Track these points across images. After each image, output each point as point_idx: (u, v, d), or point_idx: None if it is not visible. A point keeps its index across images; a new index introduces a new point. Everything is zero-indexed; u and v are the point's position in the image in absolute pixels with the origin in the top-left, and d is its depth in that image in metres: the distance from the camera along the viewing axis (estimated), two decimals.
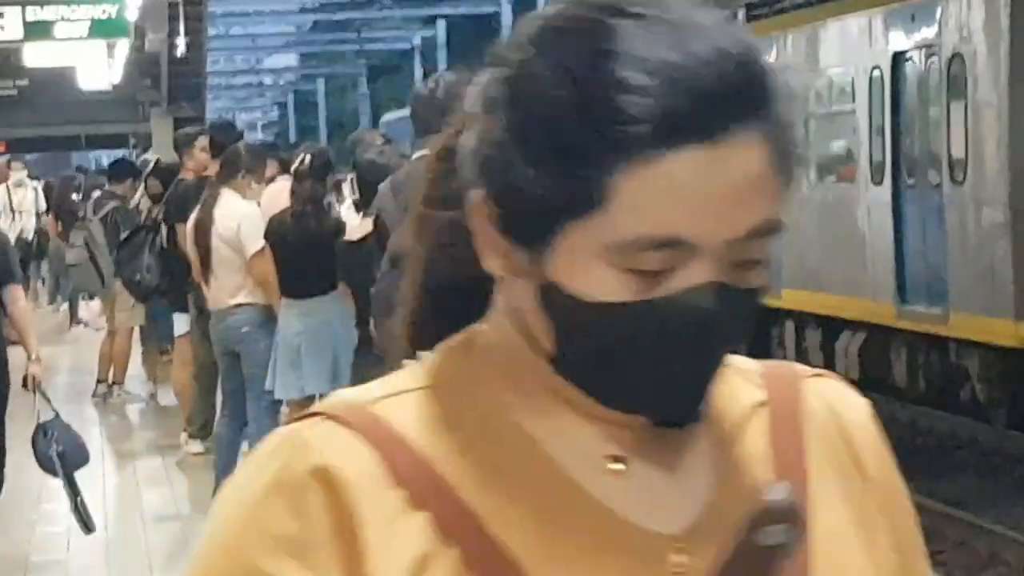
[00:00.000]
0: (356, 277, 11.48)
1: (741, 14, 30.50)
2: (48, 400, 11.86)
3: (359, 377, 10.15)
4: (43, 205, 30.47)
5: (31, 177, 36.81)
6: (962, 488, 20.14)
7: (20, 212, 28.57)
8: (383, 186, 10.31)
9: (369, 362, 10.72)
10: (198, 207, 14.93)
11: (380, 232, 9.89)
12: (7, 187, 31.60)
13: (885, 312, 23.71)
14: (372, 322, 10.80)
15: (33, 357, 11.64)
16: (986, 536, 17.77)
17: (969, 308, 21.37)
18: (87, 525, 11.77)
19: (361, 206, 11.56)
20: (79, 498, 11.71)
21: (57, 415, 11.89)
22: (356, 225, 11.89)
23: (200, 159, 17.56)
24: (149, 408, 20.08)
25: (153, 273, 18.07)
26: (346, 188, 15.11)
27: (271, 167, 16.21)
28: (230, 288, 14.26)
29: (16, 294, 11.50)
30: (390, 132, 22.92)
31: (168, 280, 17.92)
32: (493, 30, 75.28)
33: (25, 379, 11.68)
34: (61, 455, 11.63)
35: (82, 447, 11.98)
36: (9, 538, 13.39)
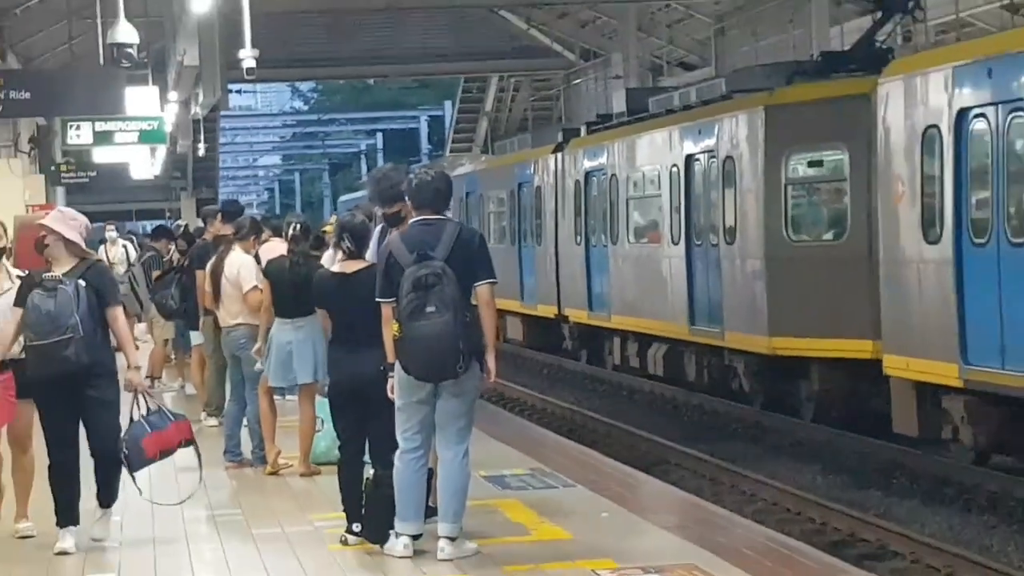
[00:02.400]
0: (335, 298, 10.90)
1: (583, 129, 30.43)
2: (146, 400, 10.94)
3: (330, 368, 10.99)
4: (133, 255, 29.51)
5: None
6: (735, 451, 19.68)
7: (114, 263, 27.68)
8: (394, 236, 10.23)
9: (335, 358, 10.90)
10: (214, 258, 15.15)
11: (391, 263, 9.93)
12: (104, 245, 30.90)
13: (681, 330, 23.32)
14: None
15: (131, 365, 10.90)
16: (756, 484, 17.02)
17: (737, 328, 21.17)
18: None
19: (355, 253, 10.80)
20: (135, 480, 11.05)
21: (142, 418, 10.91)
22: (340, 263, 11.12)
23: (217, 227, 17.37)
24: (179, 395, 19.96)
25: (175, 299, 18.39)
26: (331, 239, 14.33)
27: (266, 232, 15.85)
28: (232, 312, 14.38)
29: (116, 313, 10.77)
30: (343, 208, 22.78)
31: (184, 307, 18.09)
32: (414, 140, 78.98)
33: (127, 383, 10.85)
34: (126, 456, 10.80)
35: (141, 454, 10.82)
36: None
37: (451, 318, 9.59)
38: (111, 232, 31.41)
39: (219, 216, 17.74)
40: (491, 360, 10.00)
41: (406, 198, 10.34)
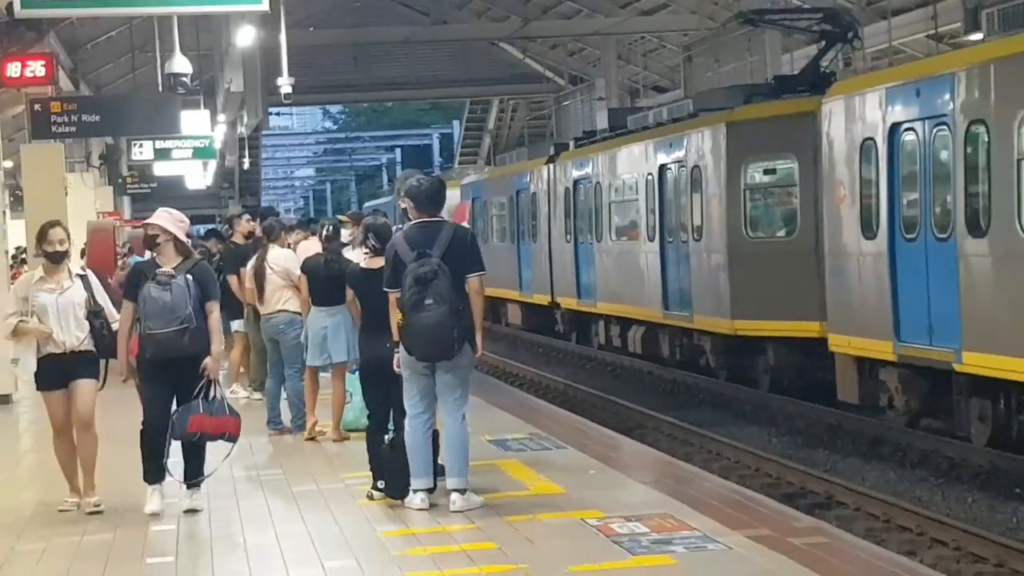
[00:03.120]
0: (365, 290, 10.85)
1: (572, 144, 30.24)
2: (219, 386, 10.25)
3: (361, 349, 11.05)
4: None
5: None
6: (703, 417, 19.64)
7: None
8: (398, 236, 10.25)
9: (364, 341, 10.87)
10: (255, 259, 14.80)
11: (396, 259, 9.90)
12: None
13: (656, 314, 23.30)
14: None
15: (213, 354, 10.18)
16: (721, 445, 16.94)
17: (704, 312, 21.19)
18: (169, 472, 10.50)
19: (379, 250, 10.70)
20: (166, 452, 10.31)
21: (202, 399, 10.15)
22: (367, 260, 11.09)
23: (244, 227, 17.44)
24: (227, 373, 19.51)
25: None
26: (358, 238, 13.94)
27: (302, 233, 15.89)
28: (272, 302, 14.22)
29: (213, 307, 10.19)
30: (368, 211, 22.43)
31: (223, 298, 17.51)
32: (427, 154, 79.51)
33: (202, 369, 10.16)
34: (172, 423, 10.16)
35: (184, 426, 10.11)
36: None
37: (447, 309, 9.65)
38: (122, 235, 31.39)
39: (244, 217, 17.73)
40: (478, 339, 10.04)
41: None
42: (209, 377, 10.21)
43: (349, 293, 11.39)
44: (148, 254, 11.32)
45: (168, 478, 10.40)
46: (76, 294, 10.30)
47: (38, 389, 10.50)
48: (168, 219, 10.35)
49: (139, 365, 10.22)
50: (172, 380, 10.21)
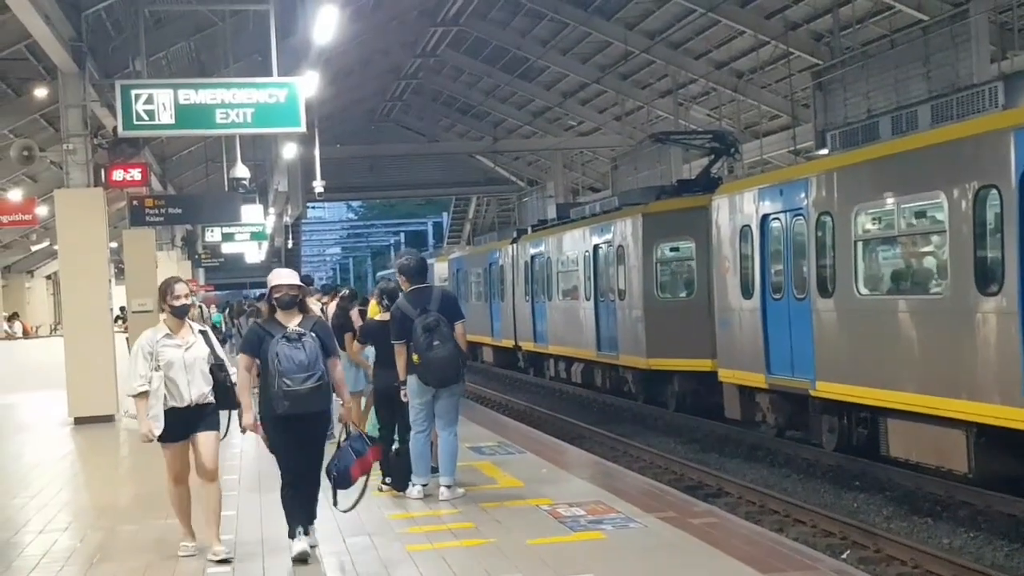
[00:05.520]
0: (379, 338, 10.41)
1: (530, 229, 29.99)
2: (348, 432, 8.13)
3: (376, 380, 10.67)
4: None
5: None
6: (625, 430, 19.41)
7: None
8: (401, 299, 9.94)
9: (378, 374, 10.53)
10: None
11: (403, 316, 9.66)
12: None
13: (592, 354, 23.12)
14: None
15: (346, 403, 8.10)
16: (639, 450, 16.59)
17: (628, 352, 20.97)
18: (337, 503, 8.25)
19: (388, 307, 10.29)
20: (336, 498, 8.16)
21: (349, 445, 8.10)
22: (381, 314, 10.66)
23: None
24: None
25: None
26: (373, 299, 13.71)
27: (325, 296, 15.48)
28: None
29: (336, 362, 7.94)
30: (379, 278, 22.36)
31: None
32: (423, 237, 79.89)
33: (340, 415, 8.17)
34: (335, 477, 8.05)
35: (348, 478, 8.09)
36: None
37: (452, 347, 9.55)
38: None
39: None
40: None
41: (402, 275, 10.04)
42: (346, 421, 8.18)
43: (356, 344, 11.13)
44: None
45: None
46: (200, 349, 8.18)
47: (161, 441, 8.05)
48: (296, 278, 8.14)
49: (267, 422, 7.90)
50: (300, 433, 7.88)
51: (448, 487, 9.89)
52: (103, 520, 9.76)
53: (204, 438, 8.11)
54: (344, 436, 8.21)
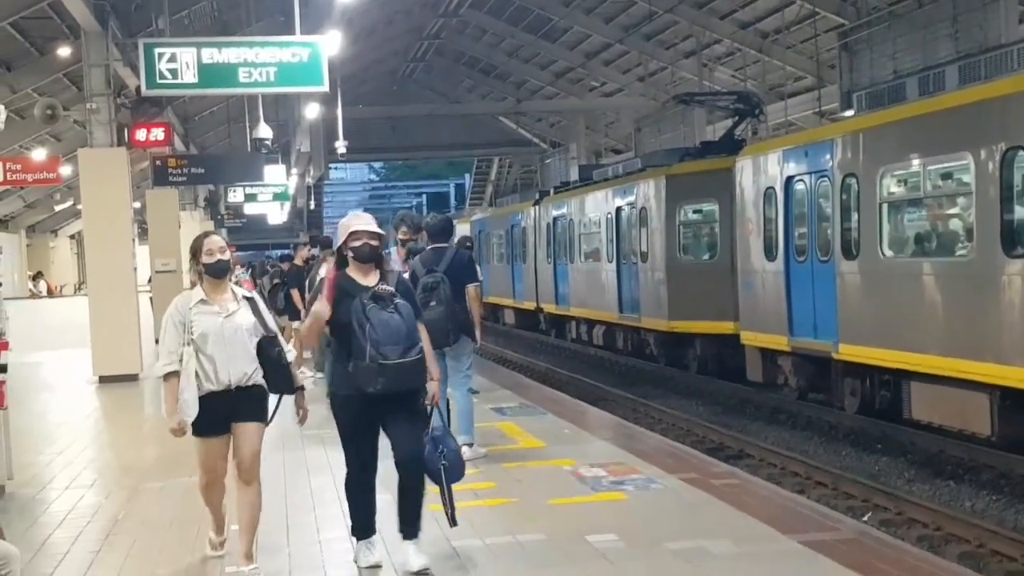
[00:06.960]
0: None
1: (552, 191, 29.97)
2: (441, 414, 6.51)
3: None
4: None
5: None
6: (647, 391, 19.49)
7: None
8: (416, 258, 9.91)
9: None
10: (313, 269, 14.73)
11: (414, 274, 9.41)
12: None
13: (613, 317, 23.09)
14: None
15: (437, 377, 6.32)
16: (660, 412, 16.61)
17: (650, 314, 20.93)
18: (453, 520, 6.29)
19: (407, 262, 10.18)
20: (450, 500, 6.23)
21: (443, 428, 6.45)
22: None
23: (303, 254, 17.52)
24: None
25: (281, 302, 17.12)
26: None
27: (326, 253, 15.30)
28: None
29: (423, 329, 6.34)
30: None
31: (285, 305, 16.99)
32: (445, 199, 79.68)
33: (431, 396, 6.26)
34: (446, 469, 6.18)
35: (461, 465, 6.35)
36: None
37: (444, 310, 9.44)
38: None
39: (307, 247, 17.48)
40: (477, 332, 9.95)
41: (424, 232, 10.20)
42: (432, 403, 6.38)
43: None
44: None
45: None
46: (244, 318, 6.29)
47: (195, 435, 6.28)
48: (376, 224, 6.37)
49: (345, 401, 6.24)
50: (379, 415, 6.21)
51: (468, 446, 9.85)
52: (128, 478, 9.75)
53: (244, 429, 6.30)
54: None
